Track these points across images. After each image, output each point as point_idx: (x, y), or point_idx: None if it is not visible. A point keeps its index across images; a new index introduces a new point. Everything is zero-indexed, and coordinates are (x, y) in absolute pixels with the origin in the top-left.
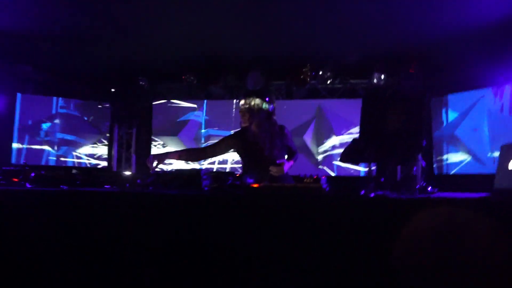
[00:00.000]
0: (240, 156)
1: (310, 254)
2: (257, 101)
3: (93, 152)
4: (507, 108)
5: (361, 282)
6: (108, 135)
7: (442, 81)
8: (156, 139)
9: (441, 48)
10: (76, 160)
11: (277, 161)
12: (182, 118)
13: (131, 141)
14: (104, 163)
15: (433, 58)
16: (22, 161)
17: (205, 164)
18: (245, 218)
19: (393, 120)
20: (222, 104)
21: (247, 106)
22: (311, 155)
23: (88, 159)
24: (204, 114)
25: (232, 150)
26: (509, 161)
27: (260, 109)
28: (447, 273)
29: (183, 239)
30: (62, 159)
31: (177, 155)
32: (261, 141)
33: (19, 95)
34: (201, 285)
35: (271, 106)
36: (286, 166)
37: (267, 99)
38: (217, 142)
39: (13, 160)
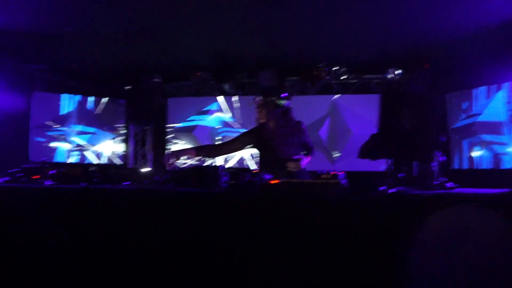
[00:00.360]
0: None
1: (330, 249)
2: (274, 97)
3: (109, 149)
4: None
5: (378, 275)
6: (123, 132)
7: (457, 76)
8: (171, 136)
9: (456, 44)
10: (93, 158)
11: (295, 157)
12: (197, 115)
13: (146, 138)
14: (120, 160)
15: (448, 54)
16: (42, 159)
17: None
18: (264, 214)
19: (409, 116)
20: (237, 101)
21: (263, 102)
22: (326, 151)
23: (104, 156)
24: (219, 111)
25: (249, 146)
26: None
27: (276, 105)
28: (468, 269)
29: (203, 236)
30: (79, 156)
31: (194, 151)
32: (277, 137)
33: (34, 93)
34: (219, 282)
35: (287, 102)
36: (304, 162)
37: (283, 95)
38: (233, 139)
39: (31, 158)
